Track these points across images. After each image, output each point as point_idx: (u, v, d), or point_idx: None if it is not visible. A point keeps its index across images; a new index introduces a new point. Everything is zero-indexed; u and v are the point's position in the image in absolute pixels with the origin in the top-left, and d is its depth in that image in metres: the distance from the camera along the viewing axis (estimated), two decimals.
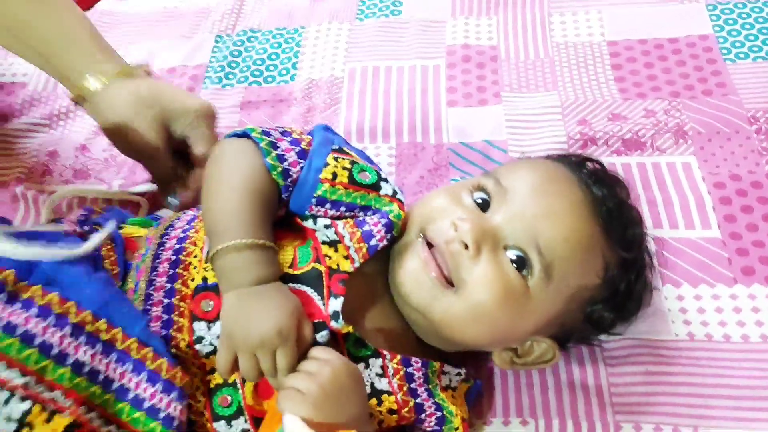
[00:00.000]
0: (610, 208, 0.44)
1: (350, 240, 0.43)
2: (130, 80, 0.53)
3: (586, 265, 0.43)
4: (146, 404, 0.39)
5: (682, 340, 0.50)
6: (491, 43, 0.75)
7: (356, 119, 0.68)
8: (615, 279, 0.44)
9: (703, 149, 0.62)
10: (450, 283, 0.42)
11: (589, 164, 0.48)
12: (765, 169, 0.59)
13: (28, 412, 0.35)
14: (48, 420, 0.35)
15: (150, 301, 0.43)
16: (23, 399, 0.35)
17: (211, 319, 0.42)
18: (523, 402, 0.49)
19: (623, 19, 0.75)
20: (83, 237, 0.47)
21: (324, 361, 0.39)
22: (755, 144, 0.61)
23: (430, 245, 0.43)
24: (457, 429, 0.44)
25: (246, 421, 0.42)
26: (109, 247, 0.46)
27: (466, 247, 0.41)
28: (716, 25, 0.72)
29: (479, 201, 0.45)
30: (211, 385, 0.43)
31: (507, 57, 0.73)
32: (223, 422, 0.42)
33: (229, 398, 0.42)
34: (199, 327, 0.42)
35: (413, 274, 0.43)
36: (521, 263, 0.42)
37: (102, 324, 0.39)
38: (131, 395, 0.39)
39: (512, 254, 0.42)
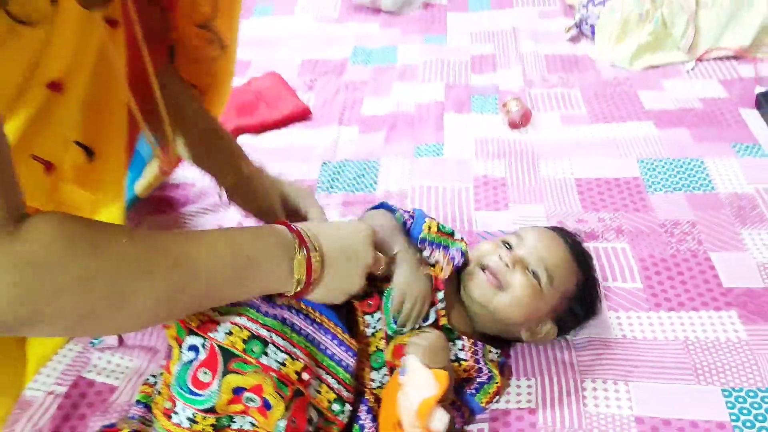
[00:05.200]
0: (579, 251, 0.83)
1: (443, 261, 0.80)
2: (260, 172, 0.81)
3: (569, 277, 0.80)
4: (336, 357, 0.67)
5: (619, 338, 0.86)
6: (501, 175, 1.17)
7: None
8: (584, 286, 0.81)
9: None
10: (499, 286, 0.77)
11: (565, 230, 0.87)
12: (670, 252, 0.98)
13: (284, 361, 0.63)
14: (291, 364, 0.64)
15: None
16: (281, 351, 0.63)
17: (372, 312, 0.73)
18: (527, 369, 0.83)
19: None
20: None
21: (430, 331, 0.73)
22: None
23: (483, 270, 0.78)
24: (497, 383, 0.78)
25: (386, 370, 0.73)
26: None
27: (507, 266, 0.77)
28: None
29: (507, 246, 0.82)
30: (369, 351, 0.73)
31: (513, 183, 1.15)
32: (375, 372, 0.73)
33: (379, 359, 0.74)
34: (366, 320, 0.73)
35: (481, 283, 0.76)
36: (536, 276, 0.78)
37: (313, 312, 0.68)
38: (329, 352, 0.67)
39: (530, 270, 0.78)
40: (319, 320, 0.69)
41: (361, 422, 0.70)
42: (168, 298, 0.52)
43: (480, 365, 0.77)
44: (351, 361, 0.69)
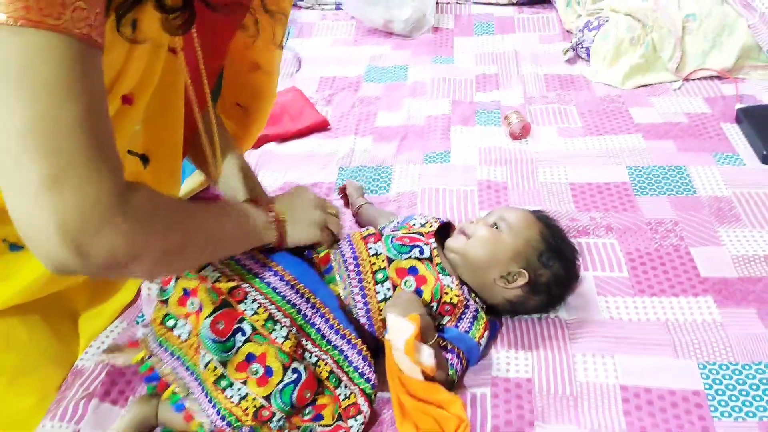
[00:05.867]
0: (540, 214, 0.97)
1: (431, 219, 0.97)
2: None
3: (530, 226, 0.94)
4: (278, 290, 0.81)
5: (606, 319, 0.97)
6: (503, 180, 1.29)
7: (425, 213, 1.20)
8: (550, 237, 0.94)
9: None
10: (467, 237, 0.93)
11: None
12: (654, 247, 1.10)
13: (218, 278, 0.79)
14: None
15: None
16: (217, 271, 0.80)
17: (375, 243, 0.92)
18: (525, 343, 0.94)
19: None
20: None
21: (401, 295, 0.86)
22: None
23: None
24: (484, 318, 0.91)
25: (389, 284, 0.88)
26: None
27: (472, 222, 0.94)
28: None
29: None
30: (374, 270, 0.89)
31: (514, 187, 1.27)
32: (379, 285, 0.87)
33: (382, 275, 0.88)
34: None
35: (454, 237, 0.94)
36: (496, 226, 0.93)
37: (268, 259, 0.83)
38: (270, 283, 0.80)
39: (491, 222, 0.94)
40: (270, 264, 0.83)
41: (360, 370, 0.83)
42: (209, 243, 0.71)
43: (466, 296, 0.91)
44: (286, 291, 0.82)
